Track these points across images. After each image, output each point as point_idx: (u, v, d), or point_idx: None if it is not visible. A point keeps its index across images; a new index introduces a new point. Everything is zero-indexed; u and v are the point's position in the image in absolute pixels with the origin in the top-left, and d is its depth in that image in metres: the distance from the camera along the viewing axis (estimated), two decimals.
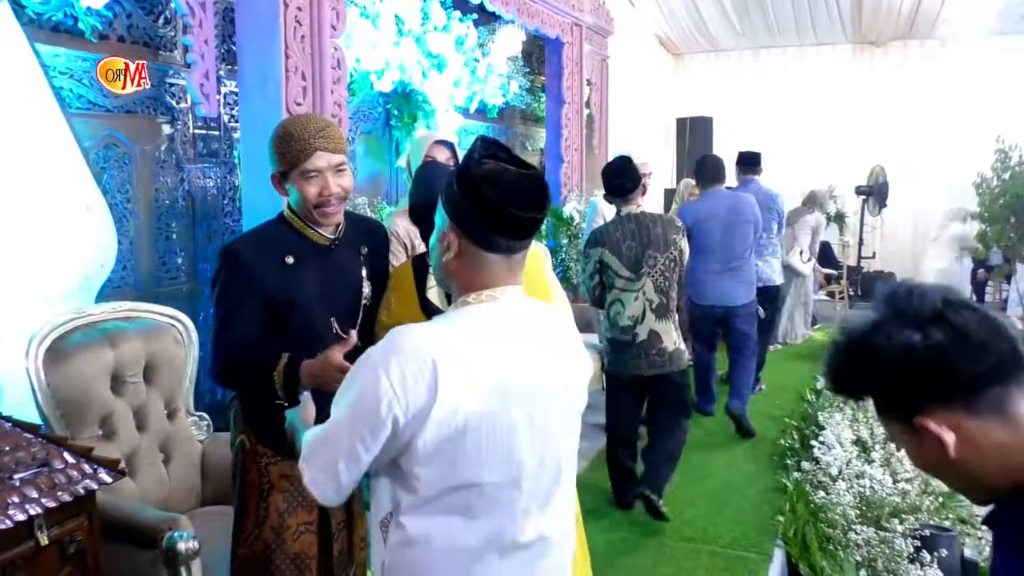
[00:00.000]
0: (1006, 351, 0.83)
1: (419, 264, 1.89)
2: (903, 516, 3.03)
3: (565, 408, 1.27)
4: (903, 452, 3.47)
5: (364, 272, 1.91)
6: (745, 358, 4.50)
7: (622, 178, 3.30)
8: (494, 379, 1.14)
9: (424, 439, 1.11)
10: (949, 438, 0.83)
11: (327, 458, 1.16)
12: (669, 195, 8.23)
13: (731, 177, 4.93)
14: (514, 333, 1.20)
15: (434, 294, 1.87)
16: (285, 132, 1.78)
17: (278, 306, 1.78)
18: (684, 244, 3.37)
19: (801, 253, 6.60)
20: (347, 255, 1.89)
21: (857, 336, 0.89)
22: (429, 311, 1.80)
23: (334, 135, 1.79)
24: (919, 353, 0.84)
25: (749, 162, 5.09)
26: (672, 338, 3.29)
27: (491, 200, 1.12)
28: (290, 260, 1.79)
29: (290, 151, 1.75)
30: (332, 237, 1.85)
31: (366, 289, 1.92)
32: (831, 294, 8.64)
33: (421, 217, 1.84)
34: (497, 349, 1.17)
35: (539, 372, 1.20)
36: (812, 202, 6.74)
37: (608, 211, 3.96)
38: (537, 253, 2.07)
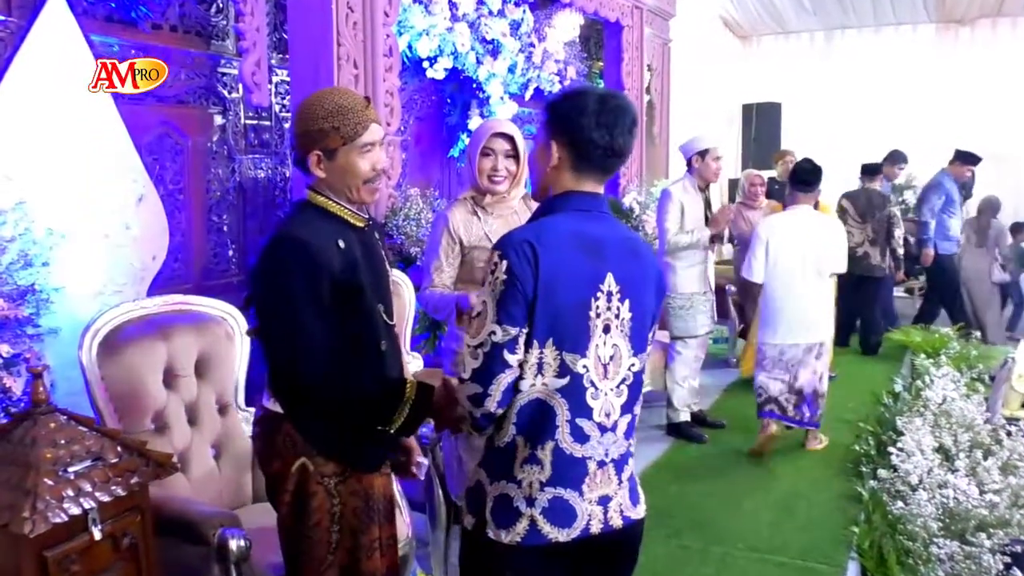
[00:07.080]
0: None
1: None
2: (991, 530, 2.82)
3: None
4: (989, 461, 3.25)
5: (387, 255, 1.86)
6: None
7: (873, 166, 6.11)
8: None
9: None
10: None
11: None
12: (733, 185, 7.94)
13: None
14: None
15: None
16: (338, 105, 1.66)
17: (346, 294, 1.66)
18: (895, 210, 5.91)
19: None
20: (375, 238, 1.83)
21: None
22: None
23: (372, 106, 1.73)
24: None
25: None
26: (877, 257, 5.82)
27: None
28: (342, 244, 1.67)
29: (347, 124, 1.65)
30: (366, 218, 1.77)
31: (392, 273, 1.86)
32: (909, 290, 8.18)
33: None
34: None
35: None
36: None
37: (682, 197, 4.07)
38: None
